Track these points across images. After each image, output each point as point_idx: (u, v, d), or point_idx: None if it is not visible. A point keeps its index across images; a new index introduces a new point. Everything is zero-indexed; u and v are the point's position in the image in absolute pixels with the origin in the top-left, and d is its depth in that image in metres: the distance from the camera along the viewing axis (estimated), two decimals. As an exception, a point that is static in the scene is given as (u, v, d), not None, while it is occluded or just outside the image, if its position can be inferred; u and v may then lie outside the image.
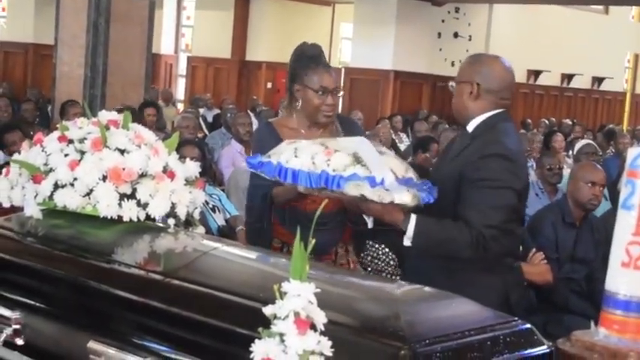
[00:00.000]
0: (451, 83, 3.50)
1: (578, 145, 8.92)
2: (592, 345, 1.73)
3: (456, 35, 18.91)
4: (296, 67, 3.82)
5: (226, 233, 6.15)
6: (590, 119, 22.29)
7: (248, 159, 3.29)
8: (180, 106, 18.77)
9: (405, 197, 3.04)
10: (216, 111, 15.38)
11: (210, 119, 14.83)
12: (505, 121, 3.46)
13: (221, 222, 6.50)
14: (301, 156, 3.02)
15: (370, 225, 3.40)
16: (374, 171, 2.94)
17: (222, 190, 7.11)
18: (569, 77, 22.28)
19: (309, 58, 3.80)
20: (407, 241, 3.18)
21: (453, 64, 17.49)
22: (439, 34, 18.65)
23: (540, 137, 11.46)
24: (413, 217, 3.15)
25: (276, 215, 3.74)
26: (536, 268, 4.86)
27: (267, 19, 20.35)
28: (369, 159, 2.97)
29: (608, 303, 1.74)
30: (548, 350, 2.11)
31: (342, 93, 3.92)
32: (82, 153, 2.94)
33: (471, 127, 3.44)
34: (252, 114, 12.54)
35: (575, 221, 5.38)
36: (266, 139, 3.75)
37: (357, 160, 2.94)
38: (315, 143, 3.09)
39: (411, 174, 3.15)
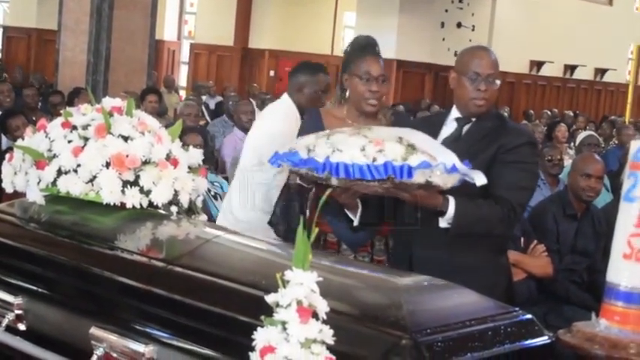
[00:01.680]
0: (497, 80, 3.50)
1: (580, 137, 8.91)
2: (593, 336, 1.74)
3: (459, 25, 18.88)
4: (347, 57, 3.90)
5: None
6: (593, 111, 22.27)
7: (282, 157, 3.14)
8: (183, 93, 18.76)
9: (480, 179, 3.04)
10: (219, 98, 15.38)
11: (212, 106, 14.83)
12: (497, 110, 3.64)
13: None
14: (346, 149, 2.94)
15: (356, 222, 3.35)
16: (438, 157, 2.92)
17: (225, 179, 7.11)
18: (572, 68, 22.25)
19: (360, 48, 3.86)
20: (444, 223, 3.20)
21: (455, 53, 17.40)
22: (442, 24, 18.62)
23: (542, 128, 11.46)
24: (452, 199, 3.16)
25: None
26: (538, 260, 4.87)
27: (271, 7, 20.32)
28: (420, 144, 2.94)
29: (609, 294, 1.75)
30: (548, 341, 2.12)
31: (388, 83, 3.91)
32: (86, 139, 2.95)
33: (483, 116, 3.49)
34: (254, 102, 12.53)
35: (576, 213, 5.39)
36: (308, 126, 3.82)
37: (411, 147, 2.90)
38: (351, 134, 3.02)
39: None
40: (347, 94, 3.85)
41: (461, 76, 3.47)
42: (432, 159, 2.88)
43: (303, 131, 3.83)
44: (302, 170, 3.03)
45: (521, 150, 3.39)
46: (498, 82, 3.48)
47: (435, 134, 3.47)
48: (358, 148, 2.91)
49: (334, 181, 2.98)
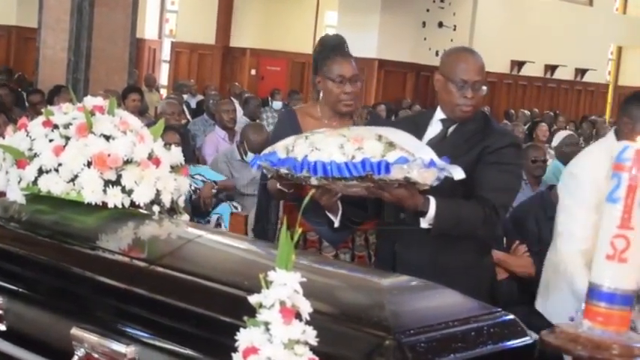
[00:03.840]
0: (484, 86, 3.49)
1: (558, 137, 8.88)
2: (576, 337, 1.73)
3: (440, 25, 18.93)
4: (317, 59, 3.88)
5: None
6: (573, 111, 22.38)
7: (261, 158, 3.14)
8: (164, 92, 18.71)
9: (458, 173, 3.03)
10: (200, 97, 15.36)
11: (193, 105, 14.81)
12: (483, 111, 3.67)
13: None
14: (325, 148, 2.93)
15: (337, 224, 3.35)
16: (416, 152, 2.90)
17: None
18: (552, 68, 22.35)
19: (329, 48, 3.83)
20: (425, 224, 3.18)
21: (437, 53, 17.50)
22: (424, 24, 18.67)
23: (523, 128, 11.50)
24: (432, 200, 3.14)
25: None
26: (519, 260, 4.88)
27: (252, 5, 20.31)
28: (399, 141, 2.93)
29: (592, 295, 1.74)
30: (531, 341, 2.13)
31: (361, 82, 3.90)
32: (67, 138, 2.93)
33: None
34: (236, 101, 12.52)
35: (557, 214, 5.39)
36: (283, 126, 3.82)
37: (390, 144, 2.89)
38: (330, 134, 3.02)
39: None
40: (320, 95, 3.83)
41: (447, 81, 3.44)
42: (409, 154, 2.87)
43: (278, 131, 3.83)
44: (281, 170, 3.03)
45: (505, 151, 3.38)
46: (485, 87, 3.47)
47: (419, 135, 3.46)
48: (337, 146, 2.90)
49: (314, 181, 2.97)
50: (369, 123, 3.80)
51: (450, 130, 3.48)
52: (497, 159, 3.35)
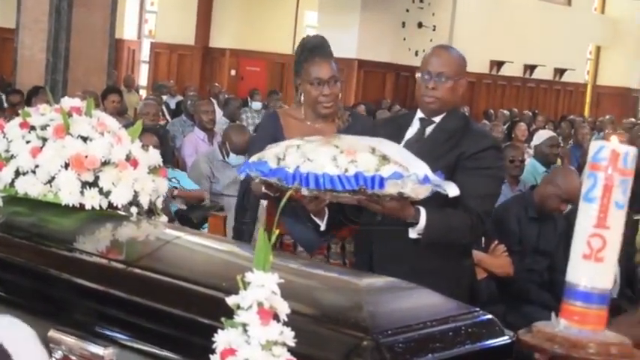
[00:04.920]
0: (450, 80, 3.47)
1: (538, 136, 8.90)
2: (553, 336, 1.74)
3: (420, 25, 18.97)
4: (297, 61, 3.85)
5: (184, 215, 6.15)
6: (552, 110, 22.48)
7: (251, 167, 3.10)
8: (143, 93, 18.66)
9: (452, 190, 3.04)
10: (179, 98, 15.33)
11: (172, 106, 14.78)
12: (463, 112, 3.63)
13: (181, 206, 6.51)
14: (317, 159, 2.91)
15: (323, 227, 3.34)
16: (410, 167, 2.89)
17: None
18: (531, 68, 22.45)
19: (308, 50, 3.81)
20: (414, 234, 3.18)
21: (416, 53, 17.56)
22: (403, 24, 18.70)
23: (502, 128, 11.54)
24: (423, 211, 3.15)
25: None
26: (498, 260, 4.90)
27: (232, 6, 20.29)
28: (392, 155, 2.91)
29: (569, 294, 1.75)
30: (509, 340, 2.13)
31: (341, 83, 3.87)
32: (44, 140, 2.92)
33: (446, 118, 3.49)
34: (215, 101, 12.50)
35: (539, 216, 5.41)
36: (266, 128, 3.82)
37: (384, 157, 2.87)
38: (322, 144, 2.99)
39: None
40: (301, 97, 3.83)
41: (418, 75, 3.50)
42: (404, 169, 2.86)
43: (261, 133, 3.83)
44: (271, 180, 3.02)
45: (486, 155, 3.39)
46: (451, 81, 3.46)
47: (401, 135, 3.49)
48: (329, 158, 2.88)
49: (305, 192, 2.96)
50: (351, 124, 3.80)
51: (429, 129, 3.49)
52: (478, 164, 3.35)
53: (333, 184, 2.86)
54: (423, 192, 2.94)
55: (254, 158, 3.10)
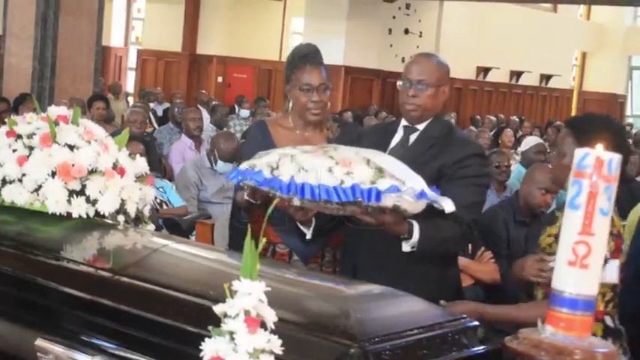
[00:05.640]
0: (431, 88, 3.47)
1: (526, 143, 8.93)
2: (539, 342, 1.75)
3: (406, 32, 19.00)
4: (287, 68, 3.84)
5: (170, 226, 6.13)
6: (538, 116, 22.54)
7: (244, 175, 3.07)
8: (131, 100, 18.64)
9: (448, 206, 3.02)
10: (167, 105, 15.33)
11: (160, 113, 14.77)
12: (446, 119, 3.63)
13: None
14: (313, 170, 2.90)
15: (308, 236, 3.33)
16: (407, 181, 2.88)
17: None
18: (517, 74, 22.51)
19: (299, 57, 3.81)
20: (407, 248, 3.17)
21: (403, 60, 17.56)
22: (390, 30, 18.73)
23: (489, 134, 11.58)
24: (416, 225, 3.14)
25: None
26: (485, 266, 4.91)
27: (219, 12, 20.29)
28: (388, 167, 2.90)
29: (554, 301, 1.76)
30: (495, 347, 2.14)
31: (330, 91, 3.83)
32: (31, 148, 2.92)
33: (430, 125, 3.49)
34: (202, 108, 12.50)
35: (526, 219, 5.43)
36: (256, 139, 3.79)
37: (380, 170, 2.86)
38: (316, 155, 2.97)
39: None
40: (290, 104, 3.83)
41: (399, 82, 3.52)
42: (400, 183, 2.86)
43: (250, 143, 3.82)
44: (264, 189, 3.01)
45: (470, 163, 3.39)
46: (432, 89, 3.45)
47: (386, 143, 3.49)
48: (325, 169, 2.87)
49: (296, 202, 2.95)
50: (340, 135, 3.80)
51: (412, 137, 3.50)
52: (462, 172, 3.36)
53: (329, 195, 2.86)
54: (418, 206, 2.94)
55: (245, 165, 3.09)
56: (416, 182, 2.93)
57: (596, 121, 3.39)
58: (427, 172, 3.25)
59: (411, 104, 3.46)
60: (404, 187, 2.86)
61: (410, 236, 3.15)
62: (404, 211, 2.95)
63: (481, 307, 3.18)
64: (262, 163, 3.02)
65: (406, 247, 3.17)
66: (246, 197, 3.20)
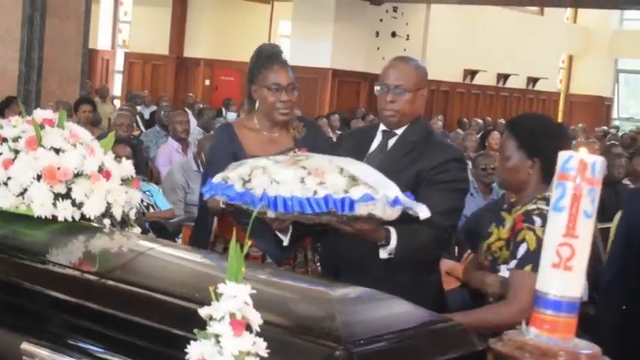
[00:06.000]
0: (409, 93, 3.43)
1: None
2: (523, 344, 1.76)
3: (393, 34, 19.04)
4: (253, 68, 3.82)
5: (157, 229, 6.12)
6: (525, 119, 22.57)
7: (217, 189, 3.05)
8: (117, 103, 18.61)
9: (423, 212, 2.99)
10: (154, 108, 15.31)
11: (147, 116, 14.76)
12: (427, 122, 3.68)
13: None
14: (285, 181, 2.87)
15: (286, 242, 3.30)
16: (380, 189, 2.85)
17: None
18: (504, 77, 22.58)
19: (265, 57, 3.79)
20: (385, 254, 3.14)
21: (390, 63, 17.55)
22: (377, 33, 18.77)
23: (476, 137, 11.61)
24: (393, 232, 3.11)
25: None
26: (470, 269, 4.91)
27: (206, 15, 20.28)
28: (361, 175, 2.87)
29: (539, 303, 1.77)
30: (481, 349, 2.15)
31: (297, 91, 3.81)
32: (17, 152, 2.91)
33: (408, 130, 3.47)
34: (189, 111, 12.49)
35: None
36: (223, 142, 3.76)
37: (353, 179, 2.83)
38: (289, 165, 2.94)
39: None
40: (256, 104, 3.80)
41: (376, 88, 3.49)
42: (374, 191, 2.83)
43: (217, 147, 3.78)
44: (237, 203, 2.98)
45: (448, 168, 3.36)
46: (409, 94, 3.42)
47: (366, 147, 3.49)
48: (297, 180, 2.85)
49: (271, 214, 2.93)
50: (307, 135, 3.79)
51: (391, 142, 3.48)
52: (440, 178, 3.33)
53: (302, 207, 2.83)
54: (393, 213, 2.92)
55: (218, 178, 3.07)
56: (389, 189, 2.90)
57: (535, 121, 3.41)
58: (405, 178, 3.25)
59: (389, 110, 3.43)
60: (377, 194, 2.83)
61: (387, 243, 3.12)
62: (379, 219, 2.93)
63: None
64: (235, 175, 3.00)
65: (383, 253, 3.14)
66: (222, 205, 3.17)
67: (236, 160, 3.39)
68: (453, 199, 3.36)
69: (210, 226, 3.92)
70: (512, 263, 3.12)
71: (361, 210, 2.84)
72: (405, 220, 3.09)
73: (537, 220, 3.12)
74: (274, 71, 3.73)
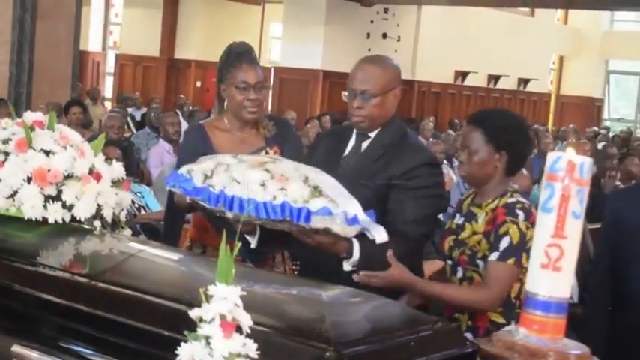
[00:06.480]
0: (377, 97, 3.32)
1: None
2: (512, 344, 1.76)
3: (384, 36, 19.03)
4: (222, 67, 3.76)
5: (148, 231, 6.11)
6: (516, 120, 22.60)
7: (177, 181, 3.00)
8: (109, 105, 18.59)
9: (380, 236, 2.91)
10: (145, 110, 15.29)
11: (138, 118, 14.74)
12: (403, 123, 3.54)
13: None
14: (245, 182, 2.79)
15: (253, 245, 3.19)
16: (341, 204, 2.75)
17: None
18: (495, 78, 22.60)
19: (234, 56, 3.73)
20: (348, 267, 3.02)
21: (381, 64, 17.55)
22: (368, 35, 18.76)
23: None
24: (356, 244, 3.00)
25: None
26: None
27: (197, 17, 20.27)
28: (326, 188, 2.78)
29: (528, 304, 1.78)
30: (471, 349, 2.15)
31: (266, 90, 3.76)
32: (7, 154, 2.91)
33: (382, 133, 3.38)
34: (180, 113, 12.49)
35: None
36: (193, 143, 3.70)
37: (316, 189, 2.74)
38: (253, 166, 2.86)
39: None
40: (225, 104, 3.74)
41: (344, 93, 3.40)
42: (334, 206, 2.74)
43: (188, 148, 3.71)
44: (194, 199, 2.93)
45: (419, 173, 3.26)
46: (377, 98, 3.30)
47: (342, 148, 3.42)
48: (258, 182, 2.76)
49: (229, 215, 2.87)
50: (277, 133, 3.72)
51: (364, 145, 3.39)
52: (412, 184, 3.24)
53: (257, 211, 2.76)
54: (350, 232, 2.84)
55: (184, 170, 3.03)
56: (350, 207, 2.79)
57: (503, 116, 3.41)
58: (377, 183, 3.22)
59: (357, 116, 3.33)
60: (337, 209, 2.74)
61: (350, 255, 3.00)
62: (335, 234, 2.85)
63: (412, 277, 3.08)
64: (198, 169, 2.93)
65: (347, 266, 3.02)
66: (188, 201, 3.12)
67: None
68: (425, 206, 3.26)
69: (179, 225, 3.89)
70: (494, 255, 3.13)
71: (318, 223, 2.75)
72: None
73: (520, 214, 3.15)
74: (243, 70, 3.66)
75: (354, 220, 2.76)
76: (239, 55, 3.73)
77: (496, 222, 3.16)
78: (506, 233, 3.13)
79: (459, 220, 3.35)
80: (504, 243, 3.12)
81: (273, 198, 2.73)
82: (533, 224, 3.16)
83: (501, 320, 3.17)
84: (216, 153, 3.54)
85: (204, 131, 3.76)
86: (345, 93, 3.39)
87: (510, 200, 3.19)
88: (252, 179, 2.78)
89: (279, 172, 2.80)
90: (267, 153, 3.57)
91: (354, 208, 2.80)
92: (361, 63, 3.43)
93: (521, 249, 3.10)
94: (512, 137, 3.26)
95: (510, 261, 3.09)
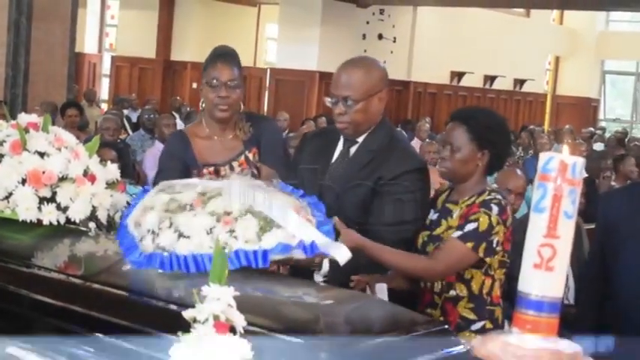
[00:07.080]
0: (361, 103, 3.25)
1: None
2: (505, 344, 1.77)
3: (380, 37, 19.04)
4: (203, 69, 3.67)
5: None
6: (512, 120, 22.62)
7: (126, 246, 2.60)
8: (105, 106, 18.57)
9: (342, 256, 2.64)
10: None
11: (134, 120, 14.71)
12: (391, 126, 3.49)
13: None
14: (194, 234, 2.53)
15: (323, 275, 3.18)
16: (298, 233, 2.56)
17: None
18: (491, 79, 22.60)
19: (214, 57, 3.65)
20: (319, 277, 2.88)
21: (377, 65, 17.55)
22: (364, 36, 18.76)
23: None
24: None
25: None
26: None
27: (193, 19, 20.26)
28: (277, 216, 2.57)
29: (520, 304, 1.77)
30: (464, 349, 2.16)
31: (240, 90, 3.61)
32: (1, 156, 2.91)
33: (369, 138, 3.33)
34: (176, 115, 12.48)
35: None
36: (174, 151, 3.61)
37: (266, 221, 2.54)
38: (198, 212, 2.58)
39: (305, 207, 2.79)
40: (203, 105, 3.66)
41: (326, 98, 3.33)
42: (289, 239, 2.55)
43: (168, 155, 3.63)
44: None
45: (405, 178, 3.22)
46: (360, 104, 3.23)
47: (330, 151, 3.38)
48: (205, 231, 2.52)
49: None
50: (253, 133, 3.63)
51: (352, 150, 3.34)
52: (395, 189, 3.19)
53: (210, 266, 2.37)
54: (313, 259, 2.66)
55: (131, 222, 2.65)
56: (307, 233, 2.60)
57: (487, 115, 3.42)
58: (365, 189, 3.21)
59: (341, 122, 3.27)
60: (293, 242, 2.54)
61: (320, 267, 2.81)
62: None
63: (362, 240, 3.01)
64: (144, 226, 2.60)
65: (317, 277, 2.88)
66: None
67: (187, 170, 3.37)
68: (404, 211, 3.21)
69: None
70: (456, 233, 3.15)
71: (277, 258, 2.54)
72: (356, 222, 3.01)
73: (494, 208, 3.20)
74: (217, 68, 3.56)
75: (312, 248, 2.57)
76: (219, 55, 3.64)
77: (469, 213, 3.19)
78: (476, 220, 3.16)
79: (433, 215, 3.34)
80: (470, 227, 3.15)
81: (225, 245, 2.48)
82: (504, 221, 3.21)
83: (472, 317, 3.20)
84: (197, 160, 3.50)
85: (185, 138, 3.66)
86: (327, 99, 3.32)
87: (488, 197, 3.22)
88: (198, 228, 2.54)
89: (223, 209, 2.57)
90: (246, 157, 3.55)
91: (311, 234, 2.60)
92: (343, 67, 3.36)
93: (483, 238, 3.14)
94: (496, 137, 3.30)
95: (469, 244, 3.13)
